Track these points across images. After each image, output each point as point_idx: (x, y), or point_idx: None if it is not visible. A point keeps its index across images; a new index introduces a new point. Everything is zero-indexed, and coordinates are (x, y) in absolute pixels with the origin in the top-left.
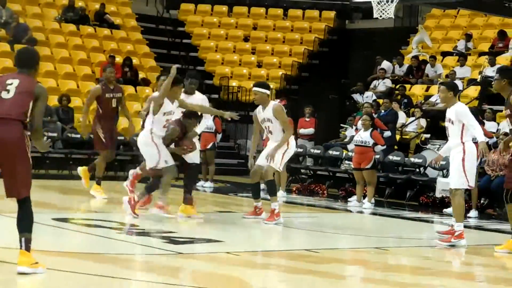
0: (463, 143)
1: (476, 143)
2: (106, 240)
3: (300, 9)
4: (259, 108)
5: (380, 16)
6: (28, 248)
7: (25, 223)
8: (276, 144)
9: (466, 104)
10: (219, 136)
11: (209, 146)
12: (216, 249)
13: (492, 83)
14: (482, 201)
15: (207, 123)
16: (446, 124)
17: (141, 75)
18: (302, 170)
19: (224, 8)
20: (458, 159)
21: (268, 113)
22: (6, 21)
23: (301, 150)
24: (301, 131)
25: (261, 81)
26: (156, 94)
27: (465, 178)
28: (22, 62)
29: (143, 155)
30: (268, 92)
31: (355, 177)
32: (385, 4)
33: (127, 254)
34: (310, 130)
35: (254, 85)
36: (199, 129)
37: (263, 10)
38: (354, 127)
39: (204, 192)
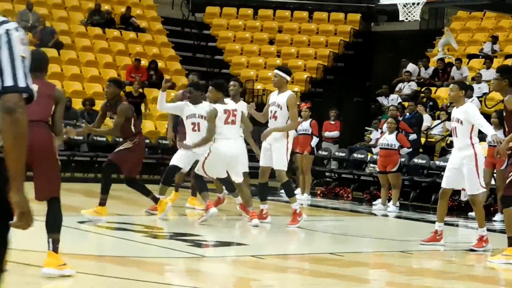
0: (473, 145)
1: (491, 146)
2: (131, 243)
3: (326, 11)
4: (274, 92)
5: (406, 19)
6: (56, 249)
7: (53, 224)
8: (277, 127)
9: (492, 107)
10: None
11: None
12: (240, 252)
13: (492, 82)
14: None
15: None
16: (454, 124)
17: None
18: (327, 173)
19: (250, 11)
20: (471, 165)
21: (281, 99)
22: (33, 24)
23: (326, 153)
24: (326, 134)
25: (283, 66)
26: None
27: (479, 182)
28: (35, 65)
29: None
30: (288, 78)
31: (380, 180)
32: (411, 6)
33: (152, 257)
34: (335, 133)
35: (276, 68)
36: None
37: (288, 13)
38: (379, 130)
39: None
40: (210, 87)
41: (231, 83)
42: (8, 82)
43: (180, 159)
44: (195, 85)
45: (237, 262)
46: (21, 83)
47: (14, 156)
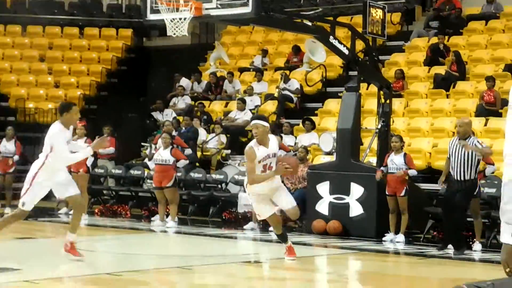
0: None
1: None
2: None
3: (97, 27)
4: (256, 144)
5: (174, 34)
6: None
7: None
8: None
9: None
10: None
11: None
12: (13, 278)
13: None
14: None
15: None
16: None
17: None
18: (104, 191)
19: (18, 28)
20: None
21: (273, 148)
22: None
23: (102, 170)
24: (101, 151)
25: (260, 114)
26: None
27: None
28: None
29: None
30: (268, 126)
31: (156, 196)
32: (178, 21)
33: None
34: (110, 150)
35: (254, 118)
36: None
37: (59, 29)
38: (154, 146)
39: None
40: None
41: None
42: None
43: None
44: None
45: None
46: None
47: None
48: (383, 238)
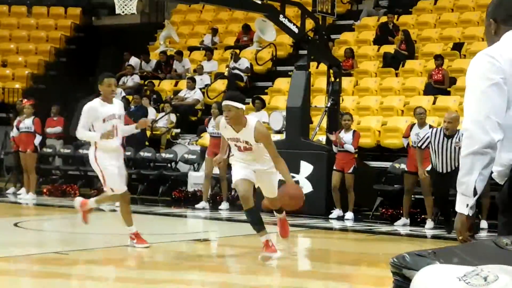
0: None
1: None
2: None
3: (45, 6)
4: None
5: (123, 12)
6: None
7: None
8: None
9: (213, 98)
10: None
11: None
12: None
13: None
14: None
15: None
16: None
17: None
18: (53, 171)
19: None
20: None
21: (245, 135)
22: None
23: (50, 150)
24: (49, 130)
25: (233, 93)
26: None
27: None
28: None
29: None
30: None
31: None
32: (126, 0)
33: None
34: (58, 129)
35: (226, 98)
36: None
37: (6, 7)
38: None
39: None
40: None
41: None
42: None
43: None
44: None
45: None
46: None
47: None
48: (330, 215)
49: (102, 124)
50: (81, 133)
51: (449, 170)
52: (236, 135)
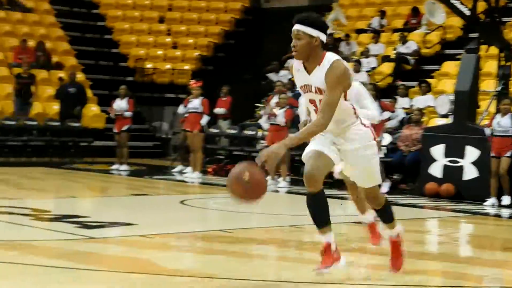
0: None
1: None
2: (17, 227)
3: None
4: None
5: None
6: None
7: None
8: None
9: (379, 81)
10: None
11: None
12: (129, 232)
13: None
14: (395, 177)
15: None
16: None
17: (55, 58)
18: (218, 151)
19: None
20: None
21: (318, 77)
22: None
23: (217, 130)
24: (216, 110)
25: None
26: None
27: None
28: None
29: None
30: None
31: None
32: None
33: (39, 240)
34: (221, 110)
35: (296, 21)
36: None
37: None
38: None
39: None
40: None
41: None
42: None
43: None
44: None
45: (125, 242)
46: None
47: None
48: (484, 204)
49: None
50: None
51: None
52: (308, 80)
